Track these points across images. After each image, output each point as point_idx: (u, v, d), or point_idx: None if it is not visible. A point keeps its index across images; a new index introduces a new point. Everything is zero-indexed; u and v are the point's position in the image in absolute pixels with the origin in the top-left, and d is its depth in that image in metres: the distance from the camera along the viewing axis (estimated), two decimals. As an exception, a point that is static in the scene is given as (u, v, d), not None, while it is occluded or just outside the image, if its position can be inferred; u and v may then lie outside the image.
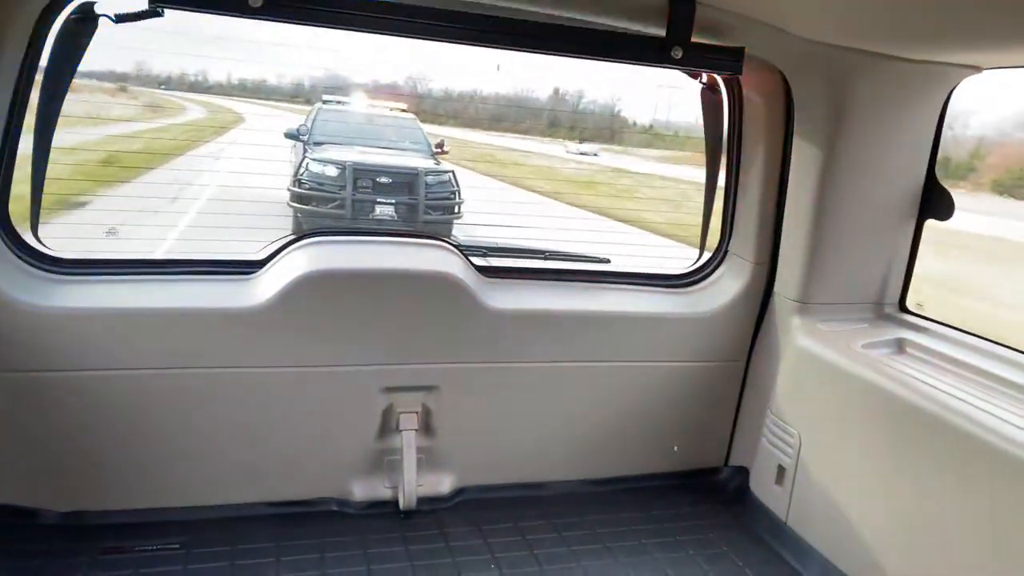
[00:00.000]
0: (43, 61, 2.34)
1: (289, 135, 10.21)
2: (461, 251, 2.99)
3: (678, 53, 2.36)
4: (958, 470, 2.23)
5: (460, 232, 9.60)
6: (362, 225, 9.14)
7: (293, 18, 2.07)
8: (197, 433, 2.70)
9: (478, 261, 3.03)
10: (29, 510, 2.59)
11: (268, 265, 2.79)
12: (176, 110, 15.16)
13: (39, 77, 2.35)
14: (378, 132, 10.86)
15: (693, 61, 2.42)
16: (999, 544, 2.10)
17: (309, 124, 10.21)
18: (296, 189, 9.25)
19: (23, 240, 2.56)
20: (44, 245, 2.63)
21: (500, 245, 3.19)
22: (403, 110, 11.45)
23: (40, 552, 2.48)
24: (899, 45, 2.41)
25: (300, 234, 2.88)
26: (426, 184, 9.61)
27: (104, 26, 2.28)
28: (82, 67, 2.31)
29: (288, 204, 9.26)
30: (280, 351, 2.70)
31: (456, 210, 9.95)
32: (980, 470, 2.16)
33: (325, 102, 10.88)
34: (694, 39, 2.38)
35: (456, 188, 9.89)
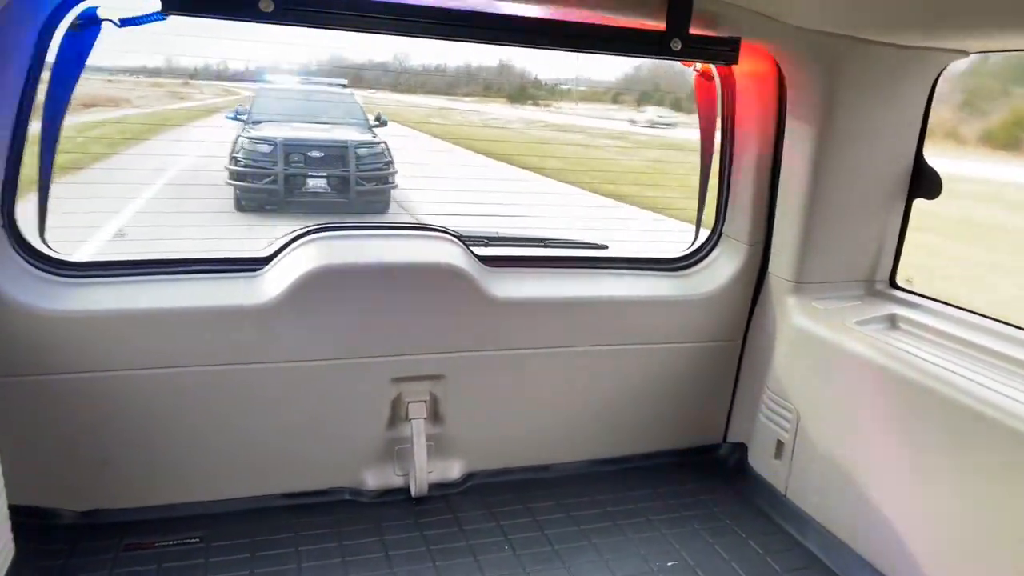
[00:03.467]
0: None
1: (231, 116, 10.67)
2: (463, 241, 3.04)
3: (677, 45, 2.41)
4: (951, 440, 2.34)
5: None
6: (295, 198, 9.78)
7: (304, 22, 2.09)
8: (211, 429, 2.74)
9: (480, 251, 3.09)
10: (50, 511, 2.64)
11: (274, 262, 2.83)
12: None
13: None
14: (315, 108, 11.20)
15: (692, 52, 2.47)
16: (993, 513, 2.20)
17: (248, 105, 10.73)
18: (232, 167, 9.64)
19: (31, 244, 2.58)
20: (52, 249, 2.65)
21: (501, 235, 3.24)
22: (343, 85, 11.85)
23: (63, 551, 2.52)
24: (888, 32, 2.48)
25: (304, 230, 2.91)
26: (358, 156, 10.04)
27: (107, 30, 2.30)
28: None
29: (227, 182, 9.65)
30: (289, 346, 2.75)
31: (390, 180, 10.36)
32: (972, 440, 2.26)
33: (264, 82, 11.30)
34: (691, 29, 2.43)
35: (389, 159, 10.25)
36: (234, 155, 9.74)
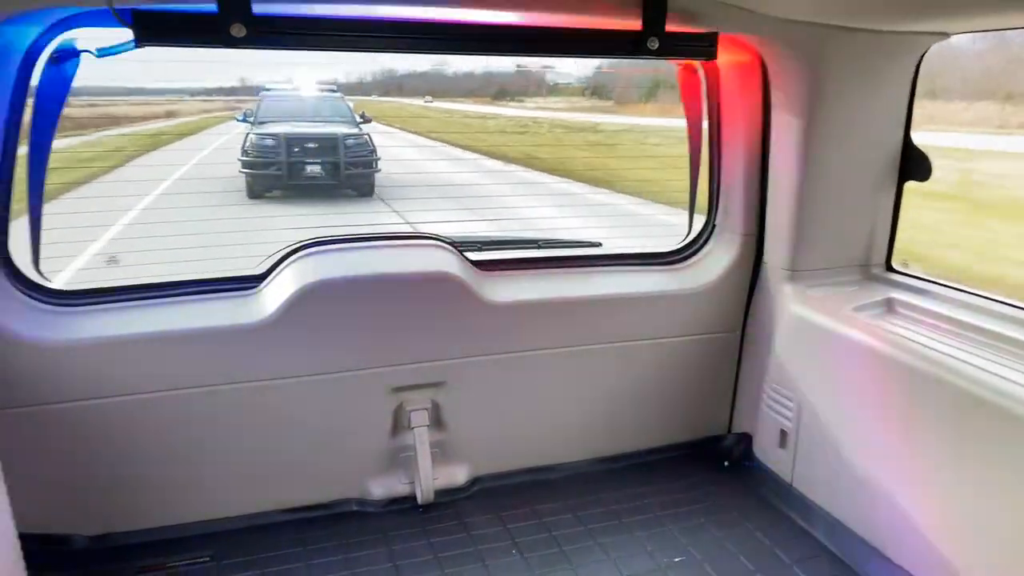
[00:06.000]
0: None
1: (240, 119, 13.09)
2: (456, 247, 3.04)
3: (654, 44, 2.40)
4: (953, 424, 2.33)
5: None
6: (296, 181, 12.13)
7: (277, 45, 2.10)
8: (215, 448, 2.77)
9: (472, 256, 3.09)
10: (60, 536, 2.67)
11: (268, 279, 2.84)
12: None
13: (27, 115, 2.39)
14: (310, 109, 13.83)
15: (669, 51, 2.46)
16: (997, 496, 2.20)
17: (255, 108, 13.08)
18: (244, 158, 11.87)
19: (25, 276, 2.60)
20: (45, 278, 2.67)
21: (493, 239, 3.25)
22: (333, 90, 14.30)
23: None
24: (868, 18, 2.46)
25: (297, 246, 2.92)
26: (346, 146, 12.27)
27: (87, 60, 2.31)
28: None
29: (239, 172, 11.78)
30: (288, 362, 2.77)
31: (373, 165, 12.61)
32: (974, 423, 2.26)
33: (268, 90, 13.51)
34: (668, 27, 2.42)
35: (372, 147, 12.54)
36: (245, 149, 11.89)
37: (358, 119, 13.31)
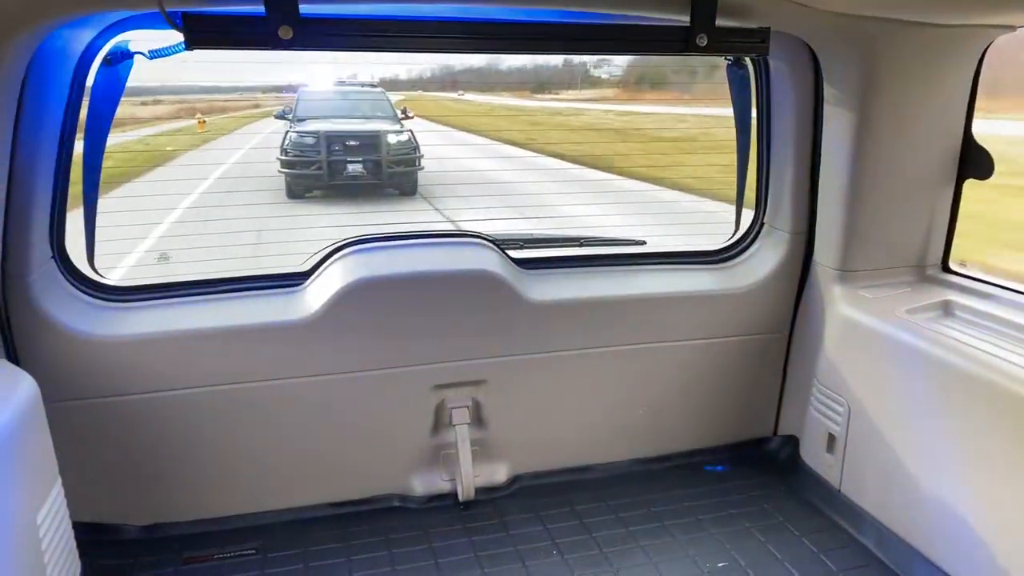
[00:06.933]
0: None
1: (278, 116, 12.46)
2: (497, 245, 3.03)
3: (703, 40, 2.34)
4: (1011, 432, 2.24)
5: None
6: (337, 181, 11.58)
7: (323, 47, 2.11)
8: (261, 442, 2.81)
9: (514, 254, 3.08)
10: (111, 526, 2.75)
11: (313, 277, 2.88)
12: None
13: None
14: (350, 106, 13.36)
15: (719, 47, 2.40)
16: None
17: (294, 105, 12.47)
18: (283, 157, 11.24)
19: (81, 272, 2.68)
20: (100, 275, 2.74)
21: (535, 236, 3.23)
22: (373, 86, 13.86)
23: (126, 565, 2.63)
24: (927, 11, 2.37)
25: (341, 243, 2.95)
26: (388, 144, 11.74)
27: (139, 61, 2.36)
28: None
29: (279, 171, 11.20)
30: (332, 359, 2.80)
31: (416, 163, 12.04)
32: None
33: (306, 86, 13.06)
34: (718, 22, 2.36)
35: (415, 144, 11.93)
36: (284, 148, 11.26)
37: (399, 115, 13.01)
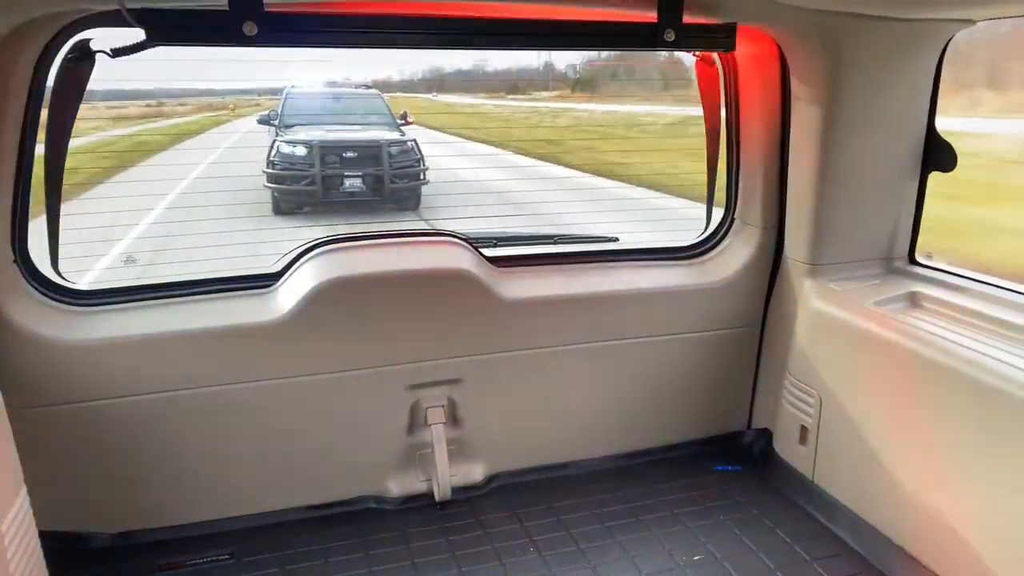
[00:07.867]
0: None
1: (261, 120, 10.96)
2: (471, 244, 3.02)
3: (670, 36, 2.36)
4: (979, 420, 2.28)
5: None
6: (332, 199, 10.17)
7: (288, 43, 2.09)
8: (233, 446, 2.78)
9: (488, 252, 3.07)
10: (81, 535, 2.69)
11: (284, 277, 2.85)
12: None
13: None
14: (343, 109, 11.69)
15: (686, 42, 2.42)
16: (1022, 492, 2.16)
17: (279, 108, 10.89)
18: (270, 171, 9.84)
19: (44, 276, 2.62)
20: (64, 279, 2.69)
21: (509, 234, 3.23)
22: (367, 86, 12.33)
23: (98, 575, 2.58)
24: (890, 6, 2.40)
25: (312, 243, 2.92)
26: (390, 155, 10.23)
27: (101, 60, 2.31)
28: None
29: (265, 186, 9.81)
30: (304, 360, 2.77)
31: (421, 176, 10.51)
32: (1002, 420, 2.21)
33: (293, 86, 11.46)
34: (685, 18, 2.38)
35: (419, 155, 10.45)
36: (271, 159, 9.94)
37: (398, 120, 11.43)
